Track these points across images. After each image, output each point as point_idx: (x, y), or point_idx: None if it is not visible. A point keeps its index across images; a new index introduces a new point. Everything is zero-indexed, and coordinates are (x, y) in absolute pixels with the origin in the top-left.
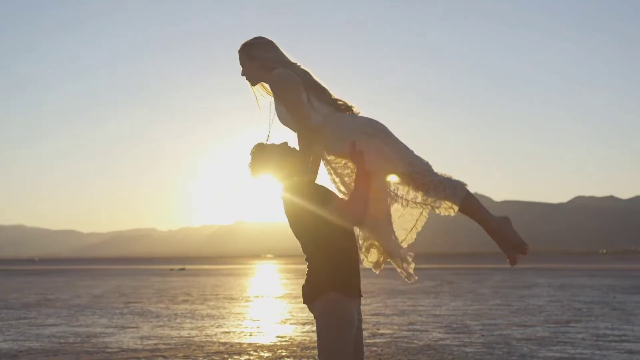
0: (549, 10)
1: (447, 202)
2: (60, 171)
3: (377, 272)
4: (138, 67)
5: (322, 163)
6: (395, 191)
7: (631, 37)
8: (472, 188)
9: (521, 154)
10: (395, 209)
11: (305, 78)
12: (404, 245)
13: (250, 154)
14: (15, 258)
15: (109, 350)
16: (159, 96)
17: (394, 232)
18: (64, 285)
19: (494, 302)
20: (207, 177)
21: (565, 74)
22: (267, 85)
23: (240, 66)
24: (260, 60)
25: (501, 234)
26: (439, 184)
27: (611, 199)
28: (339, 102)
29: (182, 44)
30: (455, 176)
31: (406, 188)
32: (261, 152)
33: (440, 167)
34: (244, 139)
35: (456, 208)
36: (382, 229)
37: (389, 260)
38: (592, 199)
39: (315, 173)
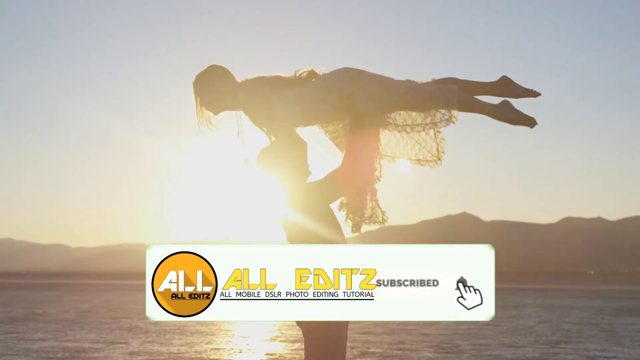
0: (527, 30)
1: (446, 113)
2: (49, 184)
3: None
4: (137, 80)
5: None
6: (395, 122)
7: (624, 56)
8: (460, 207)
9: (510, 174)
10: (404, 139)
11: (263, 84)
12: (439, 162)
13: (263, 150)
14: (2, 272)
15: None
16: (148, 108)
17: (374, 190)
18: (52, 300)
19: (483, 321)
20: (199, 191)
21: (554, 95)
22: (210, 113)
23: (198, 96)
24: (220, 89)
25: (506, 120)
26: (430, 98)
27: (599, 220)
28: (302, 76)
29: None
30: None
31: (403, 115)
32: (275, 150)
33: (431, 184)
34: (234, 156)
35: (456, 115)
36: (366, 181)
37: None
38: (580, 220)
39: (307, 174)
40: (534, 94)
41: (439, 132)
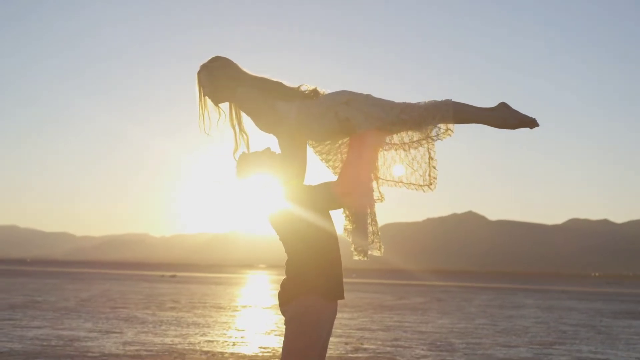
0: (547, 30)
1: (442, 127)
2: (56, 172)
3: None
4: (137, 72)
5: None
6: (391, 140)
7: (630, 57)
8: (467, 207)
9: (517, 174)
10: (401, 158)
11: (265, 86)
12: (432, 186)
13: (236, 162)
14: (7, 258)
15: (90, 354)
16: (157, 108)
17: (374, 215)
18: (52, 288)
19: (480, 321)
20: (201, 187)
21: (562, 98)
22: (211, 104)
23: (202, 87)
24: (221, 80)
25: (506, 126)
26: (426, 114)
27: (605, 222)
28: (305, 92)
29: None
30: (455, 191)
31: (402, 134)
32: (246, 159)
33: (438, 182)
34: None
35: (452, 127)
36: (364, 205)
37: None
38: (586, 221)
39: (303, 173)
40: (532, 123)
41: (432, 156)
